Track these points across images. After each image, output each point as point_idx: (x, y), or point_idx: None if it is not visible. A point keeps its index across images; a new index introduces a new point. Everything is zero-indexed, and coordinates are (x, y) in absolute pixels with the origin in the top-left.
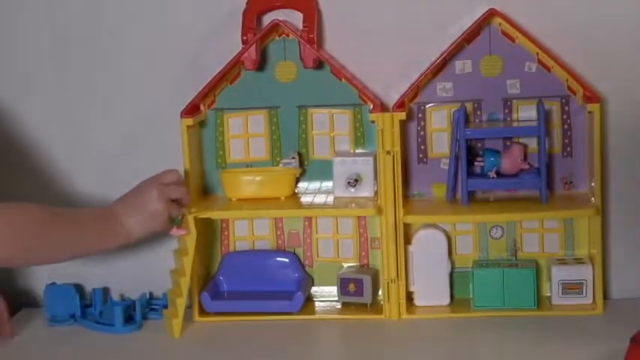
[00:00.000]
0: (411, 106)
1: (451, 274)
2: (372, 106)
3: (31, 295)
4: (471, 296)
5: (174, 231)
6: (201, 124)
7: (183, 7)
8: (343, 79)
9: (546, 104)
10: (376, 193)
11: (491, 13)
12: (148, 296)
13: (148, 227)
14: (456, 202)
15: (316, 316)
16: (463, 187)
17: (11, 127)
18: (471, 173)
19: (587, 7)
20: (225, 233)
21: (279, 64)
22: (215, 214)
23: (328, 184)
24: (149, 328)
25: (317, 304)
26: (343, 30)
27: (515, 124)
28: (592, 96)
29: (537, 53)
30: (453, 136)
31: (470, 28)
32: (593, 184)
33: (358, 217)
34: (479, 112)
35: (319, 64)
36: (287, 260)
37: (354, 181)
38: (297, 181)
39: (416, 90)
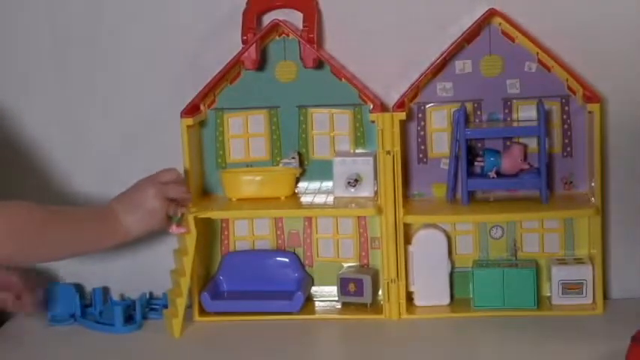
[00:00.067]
0: (411, 106)
1: (451, 274)
2: (372, 106)
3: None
4: (471, 296)
5: (174, 229)
6: (201, 123)
7: (183, 7)
8: (343, 79)
9: (546, 104)
10: (376, 193)
11: (491, 13)
12: (148, 296)
13: (146, 225)
14: (456, 202)
15: (316, 316)
16: (463, 187)
17: (11, 127)
18: (471, 173)
19: (587, 6)
20: (225, 233)
21: (279, 63)
22: (215, 214)
23: (328, 184)
24: (149, 327)
25: (317, 304)
26: (343, 30)
27: (515, 124)
28: (592, 96)
29: (537, 53)
30: (453, 136)
31: (470, 28)
32: (593, 184)
33: (358, 217)
34: (479, 112)
35: (319, 64)
36: (287, 260)
37: (354, 181)
38: (297, 181)
39: (416, 90)
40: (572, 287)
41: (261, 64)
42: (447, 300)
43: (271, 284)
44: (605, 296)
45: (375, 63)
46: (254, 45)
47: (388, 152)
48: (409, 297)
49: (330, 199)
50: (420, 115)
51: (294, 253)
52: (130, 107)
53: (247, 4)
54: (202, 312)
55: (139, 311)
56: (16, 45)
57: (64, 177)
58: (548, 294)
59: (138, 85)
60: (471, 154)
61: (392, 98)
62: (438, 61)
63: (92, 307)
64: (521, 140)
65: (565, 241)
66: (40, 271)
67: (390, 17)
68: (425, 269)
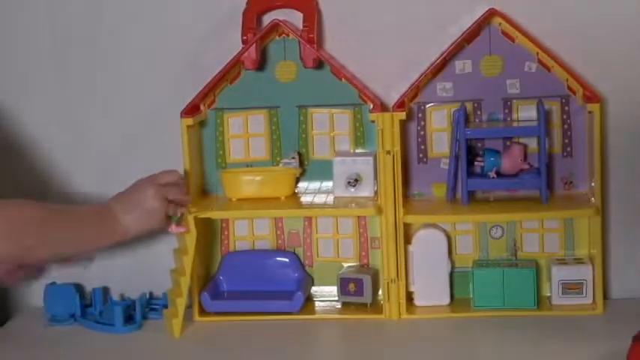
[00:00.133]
0: (411, 105)
1: (451, 274)
2: (372, 106)
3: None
4: (471, 296)
5: (173, 228)
6: (202, 123)
7: (183, 7)
8: (343, 79)
9: (546, 104)
10: (376, 192)
11: (491, 13)
12: (148, 296)
13: (145, 225)
14: (456, 202)
15: (316, 316)
16: (463, 187)
17: (11, 127)
18: (471, 173)
19: (587, 6)
20: (225, 233)
21: (279, 63)
22: (215, 214)
23: (328, 184)
24: (149, 327)
25: (317, 303)
26: (343, 30)
27: (515, 124)
28: (592, 96)
29: (537, 53)
30: (453, 135)
31: (470, 28)
32: (593, 184)
33: (358, 216)
34: (479, 112)
35: (319, 64)
36: (287, 260)
37: (354, 181)
38: (297, 180)
39: (416, 90)
40: (572, 287)
41: (261, 64)
42: (447, 300)
43: (271, 284)
44: (605, 296)
45: (375, 63)
46: (254, 45)
47: (388, 152)
48: (409, 297)
49: (330, 199)
50: (420, 115)
51: (294, 253)
52: (130, 107)
53: (247, 4)
54: (202, 312)
55: (139, 311)
56: (16, 45)
57: (64, 177)
58: (548, 294)
59: (138, 85)
60: (471, 154)
61: (392, 98)
62: (438, 61)
63: (92, 307)
64: (521, 140)
65: (565, 241)
66: None
67: (390, 17)
68: (425, 269)
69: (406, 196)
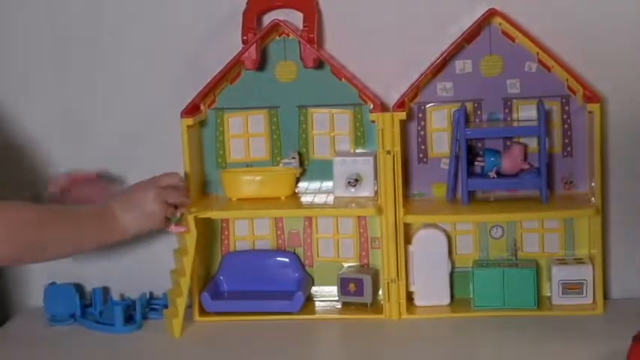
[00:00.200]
0: (411, 105)
1: (451, 274)
2: (372, 106)
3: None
4: (471, 296)
5: (173, 228)
6: (202, 123)
7: (183, 7)
8: (343, 79)
9: (546, 104)
10: (376, 192)
11: (491, 13)
12: (148, 296)
13: (143, 225)
14: (456, 202)
15: (316, 316)
16: (463, 187)
17: (11, 127)
18: (471, 173)
19: (587, 6)
20: (226, 233)
21: (280, 63)
22: (215, 214)
23: (328, 184)
24: (149, 327)
25: (317, 303)
26: (343, 30)
27: (515, 124)
28: (592, 96)
29: (537, 53)
30: (453, 135)
31: (470, 28)
32: (593, 184)
33: (358, 216)
34: (479, 112)
35: (319, 64)
36: (287, 260)
37: (355, 181)
38: (298, 180)
39: (416, 90)
40: (572, 287)
41: (261, 64)
42: (447, 300)
43: (271, 284)
44: (606, 296)
45: (375, 63)
46: (254, 45)
47: (388, 152)
48: (409, 297)
49: (331, 198)
50: (420, 115)
51: (295, 253)
52: (130, 107)
53: (247, 4)
54: (202, 312)
55: (139, 311)
56: (16, 45)
57: None
58: (549, 294)
59: (138, 85)
60: (471, 153)
61: (392, 98)
62: (438, 61)
63: (92, 307)
64: (522, 140)
65: (565, 241)
66: None
67: (390, 17)
68: (425, 269)
69: (406, 196)
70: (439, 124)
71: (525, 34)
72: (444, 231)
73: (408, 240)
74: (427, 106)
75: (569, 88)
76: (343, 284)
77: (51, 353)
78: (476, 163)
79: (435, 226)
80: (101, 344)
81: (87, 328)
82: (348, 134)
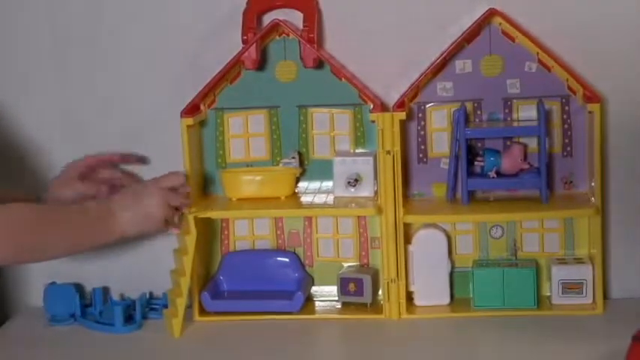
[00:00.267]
0: (411, 105)
1: (451, 274)
2: (372, 106)
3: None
4: (471, 296)
5: (172, 230)
6: (202, 123)
7: (183, 7)
8: (343, 79)
9: (546, 104)
10: (376, 192)
11: (491, 13)
12: (148, 296)
13: (143, 227)
14: (456, 202)
15: (316, 316)
16: (463, 187)
17: (11, 127)
18: (471, 173)
19: (587, 6)
20: (226, 233)
21: (280, 63)
22: (215, 214)
23: (328, 184)
24: (149, 327)
25: (317, 303)
26: (343, 30)
27: (515, 124)
28: (592, 96)
29: (537, 53)
30: (453, 135)
31: (470, 27)
32: (593, 183)
33: (358, 216)
34: (479, 112)
35: (319, 64)
36: (287, 260)
37: (354, 181)
38: (297, 180)
39: (416, 90)
40: (572, 287)
41: (261, 63)
42: (446, 300)
43: (271, 284)
44: (605, 296)
45: (375, 63)
46: (254, 45)
47: (388, 152)
48: (409, 297)
49: (330, 198)
50: (420, 115)
51: (295, 252)
52: (130, 107)
53: (247, 3)
54: (202, 312)
55: (139, 311)
56: (16, 45)
57: None
58: (548, 294)
59: (138, 85)
60: (471, 153)
61: (392, 98)
62: (438, 60)
63: (92, 307)
64: (522, 140)
65: (565, 240)
66: None
67: (390, 17)
68: (425, 269)
69: (406, 196)
70: (439, 123)
71: (525, 34)
72: (444, 231)
73: (407, 240)
74: (427, 106)
75: (569, 88)
76: (343, 284)
77: (51, 353)
78: (476, 162)
79: (434, 225)
80: (101, 344)
81: (87, 328)
82: (348, 134)
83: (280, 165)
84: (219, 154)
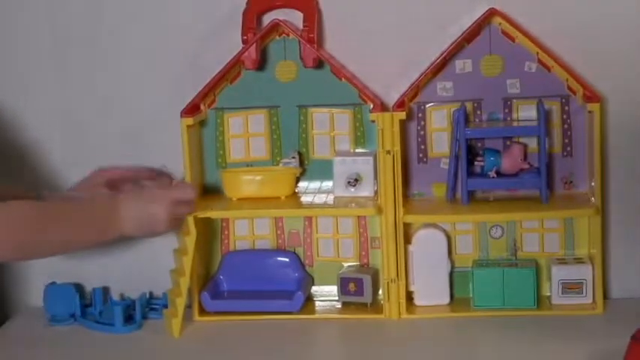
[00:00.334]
0: (411, 105)
1: (451, 274)
2: (372, 106)
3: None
4: (471, 296)
5: None
6: (202, 123)
7: (183, 7)
8: (343, 79)
9: (546, 104)
10: (376, 192)
11: (491, 13)
12: (147, 296)
13: (143, 232)
14: (456, 202)
15: (316, 316)
16: (463, 187)
17: (11, 127)
18: (470, 173)
19: (587, 6)
20: (226, 233)
21: (279, 63)
22: (215, 214)
23: (328, 184)
24: (149, 327)
25: (317, 303)
26: (343, 30)
27: (515, 124)
28: (592, 96)
29: (537, 53)
30: (453, 135)
31: (470, 27)
32: (593, 183)
33: (358, 216)
34: (479, 112)
35: (319, 64)
36: (287, 260)
37: (354, 181)
38: (298, 180)
39: (416, 89)
40: (572, 287)
41: (261, 63)
42: (446, 300)
43: (271, 284)
44: (605, 296)
45: (375, 63)
46: (254, 45)
47: (388, 152)
48: (409, 296)
49: (330, 198)
50: (420, 115)
51: (295, 252)
52: (130, 107)
53: (247, 3)
54: (202, 312)
55: (139, 311)
56: (16, 45)
57: (64, 177)
58: (548, 294)
59: (138, 85)
60: (471, 153)
61: (392, 98)
62: (438, 60)
63: (92, 307)
64: (521, 140)
65: (565, 240)
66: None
67: (390, 17)
68: (425, 269)
69: (406, 196)
70: (439, 123)
71: (525, 34)
72: (444, 231)
73: (407, 240)
74: (427, 105)
75: (569, 88)
76: (343, 284)
77: (51, 353)
78: (476, 162)
79: (434, 225)
80: (101, 344)
81: (87, 328)
82: (348, 134)
83: (280, 165)
84: (219, 154)
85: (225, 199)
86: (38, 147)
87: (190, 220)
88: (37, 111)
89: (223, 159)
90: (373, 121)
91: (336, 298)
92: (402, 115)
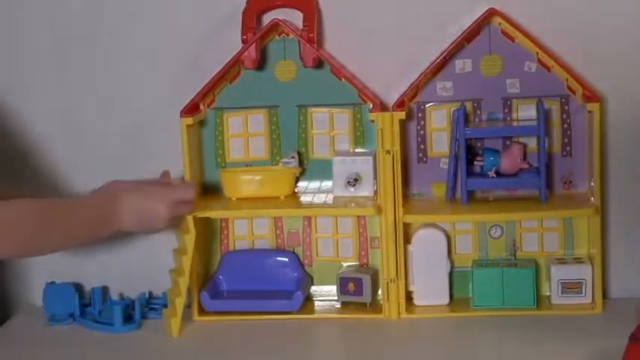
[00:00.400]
0: (410, 105)
1: (450, 274)
2: (371, 106)
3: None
4: (471, 296)
5: None
6: (201, 123)
7: (183, 7)
8: (343, 79)
9: (546, 104)
10: (376, 192)
11: (491, 13)
12: (147, 295)
13: (142, 230)
14: (456, 202)
15: (315, 316)
16: (463, 187)
17: (11, 127)
18: (470, 173)
19: (587, 6)
20: (225, 232)
21: (279, 63)
22: (215, 214)
23: (328, 184)
24: (148, 327)
25: (316, 303)
26: (343, 29)
27: (514, 124)
28: (592, 95)
29: (537, 53)
30: (452, 135)
31: (470, 27)
32: (592, 183)
33: (358, 216)
34: (478, 112)
35: (319, 64)
36: (286, 259)
37: (354, 181)
38: (297, 180)
39: (416, 89)
40: (571, 287)
41: (260, 63)
42: (446, 299)
43: (271, 284)
44: (605, 296)
45: (375, 62)
46: (254, 44)
47: (388, 152)
48: (409, 296)
49: (330, 198)
50: (419, 115)
51: (294, 252)
52: (130, 107)
53: (247, 3)
54: (201, 311)
55: (138, 311)
56: (16, 45)
57: (64, 177)
58: (548, 293)
59: (138, 85)
60: (471, 153)
61: (392, 98)
62: (437, 60)
63: (91, 307)
64: (521, 140)
65: (564, 240)
66: None
67: (390, 17)
68: (424, 269)
69: (406, 196)
70: (439, 123)
71: (525, 33)
72: (444, 231)
73: (407, 240)
74: (427, 105)
75: (569, 88)
76: (342, 284)
77: (50, 353)
78: (475, 162)
79: (434, 225)
80: (100, 344)
81: (86, 328)
82: (348, 134)
83: (280, 165)
84: (218, 154)
85: (224, 199)
86: (38, 147)
87: (190, 219)
88: (37, 111)
89: (223, 159)
90: (373, 121)
91: (336, 298)
92: (402, 114)
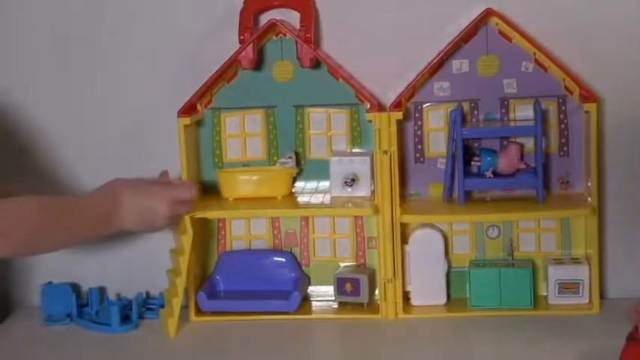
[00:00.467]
0: (408, 105)
1: (448, 274)
2: (369, 106)
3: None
4: (468, 296)
5: None
6: (198, 123)
7: (182, 7)
8: (340, 79)
9: (543, 104)
10: (373, 192)
11: (488, 13)
12: (144, 296)
13: (142, 228)
14: (453, 202)
15: (313, 316)
16: (460, 187)
17: (11, 127)
18: (467, 173)
19: (585, 6)
20: (222, 233)
21: (276, 63)
22: (212, 214)
23: (325, 184)
24: (145, 327)
25: (314, 303)
26: (340, 29)
27: (512, 124)
28: (589, 96)
29: (534, 53)
30: (449, 135)
31: (467, 27)
32: (589, 183)
33: (355, 216)
34: (476, 112)
35: (316, 64)
36: (284, 260)
37: (351, 181)
38: (294, 180)
39: (413, 89)
40: (568, 287)
41: (258, 63)
42: (443, 300)
43: (268, 284)
44: (602, 296)
45: (372, 63)
46: (251, 44)
47: (385, 152)
48: (406, 297)
49: (327, 198)
50: (417, 115)
51: (291, 252)
52: (130, 107)
53: (245, 3)
54: (198, 312)
55: (136, 311)
56: (16, 45)
57: (63, 176)
58: (545, 293)
59: (137, 85)
60: (468, 153)
61: (389, 98)
62: (435, 60)
63: (88, 307)
64: (518, 140)
65: (562, 240)
66: None
67: (388, 17)
68: (422, 269)
69: (403, 196)
70: (436, 123)
71: (522, 34)
72: (441, 231)
73: (404, 240)
74: (424, 105)
75: (566, 88)
76: (340, 284)
77: (47, 353)
78: (472, 162)
79: (431, 225)
80: (97, 344)
81: (83, 328)
82: (345, 134)
83: (277, 165)
84: (215, 154)
85: (221, 199)
86: (38, 147)
87: (187, 220)
88: (37, 111)
89: (220, 159)
90: (370, 121)
91: (333, 298)
92: (399, 115)
